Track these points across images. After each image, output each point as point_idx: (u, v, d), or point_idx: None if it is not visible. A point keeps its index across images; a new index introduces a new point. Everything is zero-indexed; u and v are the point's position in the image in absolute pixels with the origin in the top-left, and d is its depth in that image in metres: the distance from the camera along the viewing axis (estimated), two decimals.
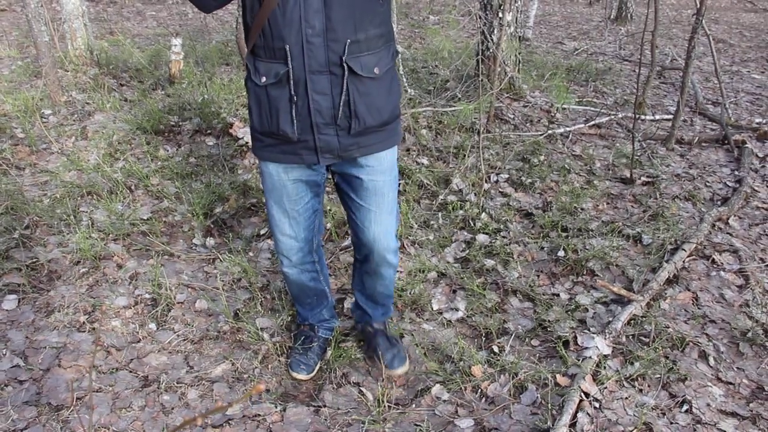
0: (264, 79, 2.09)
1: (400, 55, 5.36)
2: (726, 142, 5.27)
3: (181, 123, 4.89)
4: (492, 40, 5.24)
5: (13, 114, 5.22)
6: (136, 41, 8.43)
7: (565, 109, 4.94)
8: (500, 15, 4.87)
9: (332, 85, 2.05)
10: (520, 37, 5.72)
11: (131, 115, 5.12)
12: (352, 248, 2.80)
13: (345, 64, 2.02)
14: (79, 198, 3.93)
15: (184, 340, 2.84)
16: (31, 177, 4.27)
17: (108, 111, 5.34)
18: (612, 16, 12.01)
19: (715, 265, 3.46)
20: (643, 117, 5.64)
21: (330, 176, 2.37)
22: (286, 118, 2.10)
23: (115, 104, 5.47)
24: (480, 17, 5.07)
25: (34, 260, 3.27)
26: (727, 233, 3.82)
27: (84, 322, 2.89)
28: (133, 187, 4.05)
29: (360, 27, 2.03)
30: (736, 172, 4.72)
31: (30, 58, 7.00)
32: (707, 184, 4.54)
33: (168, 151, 4.58)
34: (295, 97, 2.06)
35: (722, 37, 10.97)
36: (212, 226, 3.71)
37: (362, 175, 2.25)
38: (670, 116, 5.47)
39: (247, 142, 4.46)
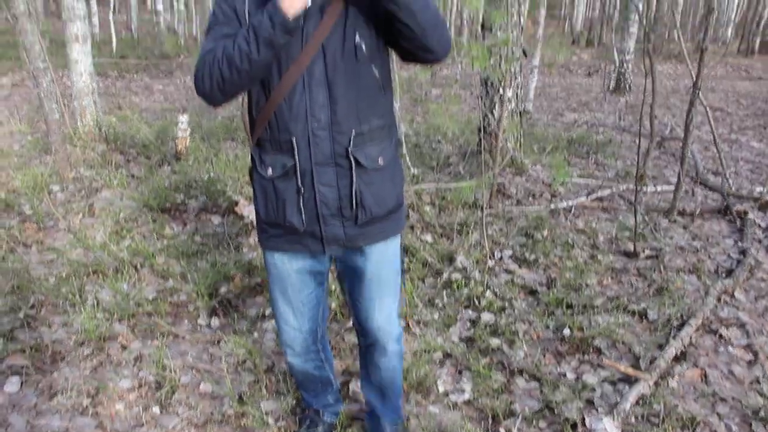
0: (270, 171, 2.12)
1: (403, 133, 5.44)
2: (728, 212, 5.30)
3: (187, 201, 4.95)
4: (493, 115, 5.33)
5: (22, 190, 5.30)
6: (143, 116, 8.61)
7: (566, 182, 4.99)
8: (501, 91, 4.97)
9: (338, 177, 2.08)
10: (520, 112, 5.83)
11: (138, 192, 5.18)
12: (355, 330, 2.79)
13: (350, 156, 2.06)
14: (84, 277, 3.94)
15: (189, 424, 2.81)
16: (37, 255, 4.31)
17: (115, 187, 5.42)
18: (611, 87, 12.22)
19: (722, 340, 3.44)
20: (644, 189, 5.69)
21: (333, 265, 2.38)
22: (293, 209, 2.12)
23: (122, 180, 5.55)
24: (481, 94, 5.18)
25: (38, 341, 3.26)
26: (734, 306, 3.81)
27: (87, 406, 2.86)
28: (138, 266, 4.08)
29: (364, 119, 2.07)
30: (740, 244, 4.73)
31: (40, 133, 7.14)
32: (711, 256, 4.55)
33: (174, 229, 4.62)
34: (302, 189, 2.08)
35: (719, 106, 11.15)
36: (217, 306, 3.71)
37: (366, 266, 2.25)
38: (672, 187, 5.52)
39: (252, 221, 4.50)
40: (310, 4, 1.95)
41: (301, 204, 2.10)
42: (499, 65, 4.72)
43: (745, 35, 21.65)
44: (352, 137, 2.05)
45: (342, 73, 2.03)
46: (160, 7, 17.93)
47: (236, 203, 4.72)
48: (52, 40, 14.08)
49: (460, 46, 4.59)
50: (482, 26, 5.10)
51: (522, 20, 5.34)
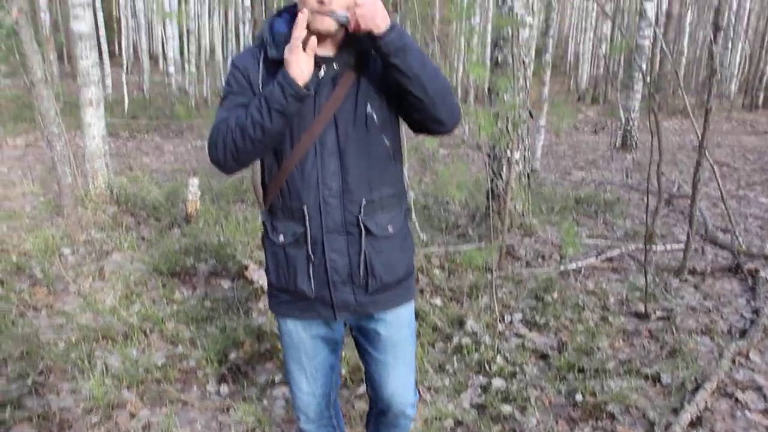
0: (282, 238, 2.14)
1: (412, 199, 5.48)
2: (739, 271, 5.27)
3: (197, 264, 4.96)
4: (501, 178, 5.37)
5: (34, 252, 5.33)
6: (154, 177, 8.70)
7: (575, 245, 4.99)
8: (508, 154, 5.02)
9: (348, 245, 2.10)
10: (528, 173, 5.86)
11: (148, 255, 5.21)
12: (367, 396, 2.76)
13: (361, 224, 2.08)
14: (94, 342, 3.94)
15: None
16: (47, 319, 4.31)
17: (125, 250, 5.45)
18: (617, 145, 12.29)
19: (739, 405, 3.39)
20: (654, 248, 5.67)
21: (348, 330, 2.38)
22: (303, 276, 2.13)
23: (132, 243, 5.58)
24: (489, 156, 5.23)
25: (46, 408, 3.24)
26: (749, 369, 3.76)
27: None
28: (148, 331, 4.07)
29: (375, 187, 2.11)
30: (752, 303, 4.69)
31: (52, 194, 7.22)
32: (723, 316, 4.51)
33: (184, 293, 4.63)
34: (312, 257, 2.10)
35: (726, 161, 11.19)
36: (227, 372, 3.69)
37: (380, 329, 2.25)
38: (681, 245, 5.51)
39: (261, 285, 4.50)
40: (323, 74, 2.01)
41: (312, 271, 2.11)
42: (506, 128, 4.78)
43: (748, 90, 21.85)
44: (362, 205, 2.08)
45: (354, 143, 2.07)
46: (171, 69, 18.28)
47: (246, 267, 4.74)
48: (66, 101, 14.38)
49: (466, 108, 4.65)
50: (489, 91, 5.19)
51: (528, 83, 5.42)
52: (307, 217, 2.07)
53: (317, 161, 2.06)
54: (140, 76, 21.36)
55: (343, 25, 1.96)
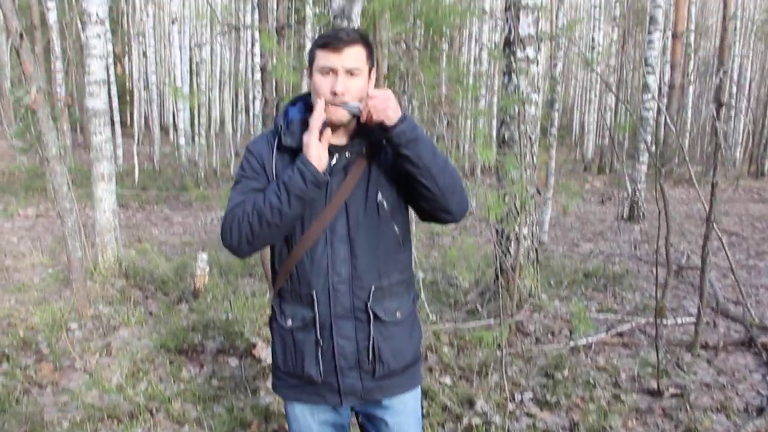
0: (290, 322, 2.15)
1: (421, 279, 5.48)
2: (753, 344, 5.20)
3: (204, 342, 4.94)
4: (509, 253, 5.37)
5: (41, 327, 5.32)
6: (162, 249, 8.73)
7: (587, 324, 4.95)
8: (517, 229, 5.04)
9: (357, 330, 2.10)
10: (536, 248, 5.86)
11: (156, 331, 5.19)
12: None
13: (370, 310, 2.09)
14: (98, 422, 3.88)
15: None
16: (52, 397, 4.27)
17: (133, 326, 5.43)
18: (624, 215, 12.31)
19: None
20: (664, 322, 5.62)
21: (354, 416, 2.35)
22: (311, 361, 2.13)
23: (140, 318, 5.57)
24: (497, 231, 5.24)
25: None
26: None
27: None
28: (154, 411, 4.01)
29: (384, 274, 2.12)
30: None
31: (61, 266, 7.25)
32: (739, 392, 4.43)
33: (191, 371, 4.59)
34: (320, 341, 2.10)
35: (734, 230, 11.17)
36: None
37: (386, 417, 2.23)
38: (692, 319, 5.45)
39: (269, 364, 4.45)
40: (335, 162, 2.05)
41: (320, 355, 2.11)
42: (514, 205, 4.82)
43: (753, 158, 21.99)
44: (371, 291, 2.10)
45: (364, 230, 2.09)
46: (182, 140, 18.57)
47: (254, 345, 4.71)
48: (78, 171, 14.58)
49: (474, 185, 4.70)
50: (496, 170, 5.24)
51: (534, 159, 5.48)
52: (316, 303, 2.08)
53: (327, 248, 2.08)
54: (151, 147, 21.69)
55: (356, 116, 2.01)
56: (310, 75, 2.08)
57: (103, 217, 6.96)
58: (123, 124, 24.84)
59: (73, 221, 5.75)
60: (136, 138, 21.24)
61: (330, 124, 2.02)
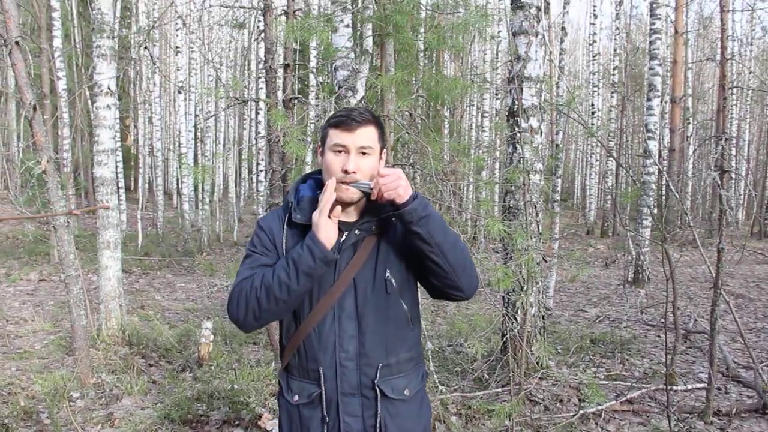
0: (296, 398, 2.13)
1: (430, 350, 5.43)
2: (766, 411, 5.10)
3: (209, 412, 4.86)
4: (516, 321, 5.34)
5: (42, 396, 5.24)
6: (165, 316, 8.68)
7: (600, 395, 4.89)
8: (524, 296, 5.03)
9: (363, 408, 2.08)
10: (543, 315, 5.82)
11: (159, 401, 5.11)
12: None
13: (377, 388, 2.07)
14: None
15: None
16: None
17: (136, 395, 5.35)
18: (629, 279, 12.26)
19: None
20: (675, 388, 5.54)
21: None
22: None
23: (143, 387, 5.50)
24: (503, 300, 5.21)
25: None
26: None
27: None
28: None
29: (392, 351, 2.11)
30: None
31: (63, 332, 7.19)
32: None
33: None
34: (327, 418, 2.09)
35: (741, 292, 11.09)
36: None
37: None
38: (703, 385, 5.37)
39: None
40: (344, 239, 2.07)
41: None
42: (521, 273, 4.81)
43: (756, 219, 22.01)
44: (379, 369, 2.09)
45: (372, 306, 2.09)
46: (186, 206, 18.70)
47: (260, 416, 4.64)
48: (82, 236, 14.63)
49: (482, 258, 4.72)
50: (502, 241, 5.25)
51: (540, 227, 5.49)
52: (322, 379, 2.08)
53: (335, 324, 2.08)
54: (155, 212, 21.81)
55: (366, 194, 2.04)
56: (322, 153, 2.12)
57: (107, 284, 6.94)
58: (127, 189, 25.06)
59: (78, 289, 5.74)
60: (140, 203, 21.36)
61: (340, 203, 2.04)
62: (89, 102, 18.73)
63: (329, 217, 2.01)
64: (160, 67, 22.68)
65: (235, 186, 24.19)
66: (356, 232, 2.11)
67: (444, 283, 2.09)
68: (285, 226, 2.14)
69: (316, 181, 2.19)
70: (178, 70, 19.50)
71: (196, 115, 21.91)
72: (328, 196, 2.00)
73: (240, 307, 2.06)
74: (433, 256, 2.03)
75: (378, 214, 2.11)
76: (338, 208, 2.03)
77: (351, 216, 2.14)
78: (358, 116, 2.05)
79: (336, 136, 2.05)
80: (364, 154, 2.05)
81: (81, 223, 17.72)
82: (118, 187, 20.02)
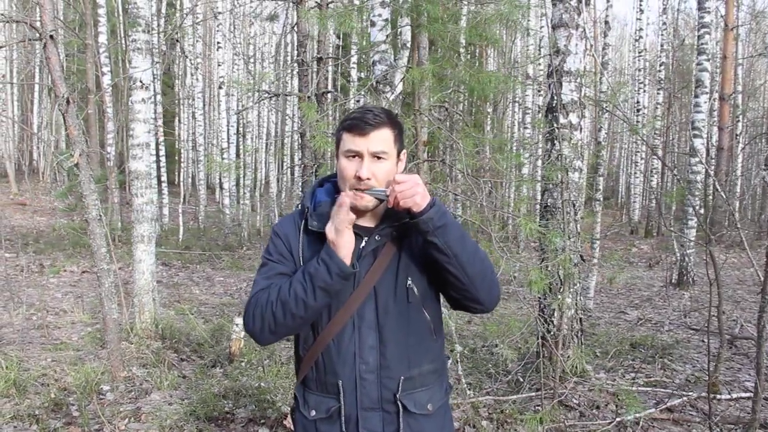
0: (314, 413, 2.04)
1: (459, 352, 5.32)
2: None
3: (235, 410, 4.82)
4: (552, 323, 5.18)
5: (73, 388, 5.27)
6: (201, 310, 8.72)
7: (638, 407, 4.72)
8: (560, 297, 4.87)
9: (384, 423, 1.99)
10: (581, 318, 5.64)
11: (187, 397, 5.10)
12: None
13: (398, 402, 1.97)
14: None
15: None
16: None
17: (165, 390, 5.35)
18: (673, 281, 11.94)
19: None
20: (718, 397, 5.32)
21: None
22: None
23: (173, 382, 5.50)
24: (539, 301, 5.07)
25: None
26: None
27: None
28: None
29: (414, 363, 2.01)
30: None
31: (100, 324, 7.25)
32: None
33: None
34: None
35: None
36: None
37: None
38: (749, 394, 5.15)
39: None
40: (363, 245, 1.97)
41: None
42: (558, 274, 4.66)
43: None
44: (400, 382, 1.98)
45: (393, 316, 1.99)
46: (227, 201, 18.88)
47: (285, 416, 4.58)
48: (125, 229, 14.83)
49: (516, 258, 4.58)
50: (540, 245, 5.10)
51: (578, 227, 5.32)
52: (341, 393, 1.98)
53: (355, 335, 1.98)
54: (196, 206, 22.06)
55: (382, 201, 1.93)
56: (337, 157, 2.01)
57: (141, 278, 6.97)
58: (170, 183, 25.40)
59: (110, 282, 5.76)
60: (182, 197, 21.62)
61: (355, 211, 1.94)
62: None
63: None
64: (191, 59, 22.86)
65: (276, 181, 24.36)
66: (376, 237, 2.01)
67: (462, 295, 1.98)
68: (301, 233, 2.05)
69: (334, 184, 2.09)
70: (219, 65, 19.67)
71: (237, 111, 22.11)
72: (343, 217, 1.89)
73: (256, 321, 1.98)
74: (450, 267, 1.91)
75: (399, 219, 2.00)
76: (352, 216, 1.92)
77: (370, 221, 2.03)
78: (372, 119, 1.93)
79: (349, 141, 1.95)
80: (378, 158, 1.94)
81: (124, 216, 17.96)
82: (160, 181, 20.38)
